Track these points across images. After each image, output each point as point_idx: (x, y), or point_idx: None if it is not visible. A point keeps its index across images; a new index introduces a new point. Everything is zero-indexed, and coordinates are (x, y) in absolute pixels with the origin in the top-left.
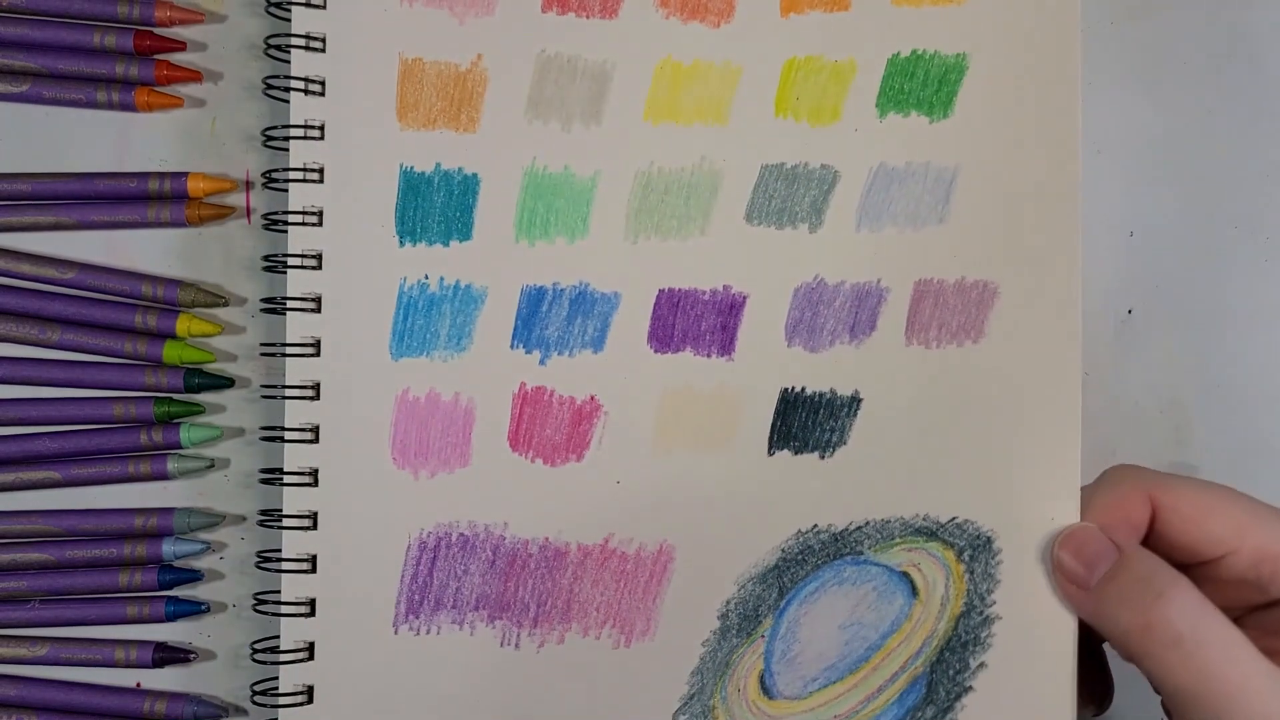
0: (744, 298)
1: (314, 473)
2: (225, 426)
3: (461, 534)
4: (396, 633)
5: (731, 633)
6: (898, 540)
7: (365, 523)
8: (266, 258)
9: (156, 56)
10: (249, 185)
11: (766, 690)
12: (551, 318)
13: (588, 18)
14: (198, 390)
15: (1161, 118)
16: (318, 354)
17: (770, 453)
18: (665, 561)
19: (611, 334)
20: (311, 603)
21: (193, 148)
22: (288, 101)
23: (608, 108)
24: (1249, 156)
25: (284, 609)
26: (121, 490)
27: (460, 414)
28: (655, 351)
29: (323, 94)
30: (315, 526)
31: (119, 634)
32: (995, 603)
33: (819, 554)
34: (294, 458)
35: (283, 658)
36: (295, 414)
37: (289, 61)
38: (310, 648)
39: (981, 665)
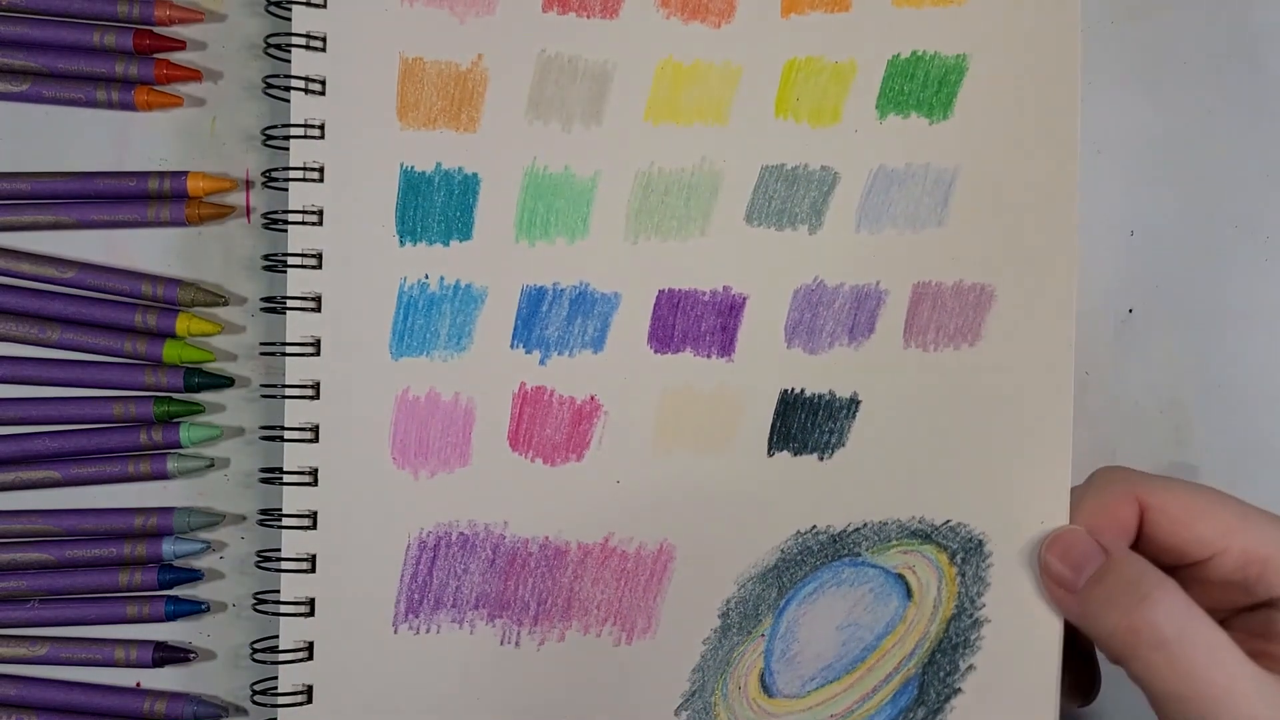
0: (744, 299)
1: (314, 472)
2: (225, 426)
3: (461, 533)
4: (396, 632)
5: (732, 631)
6: (894, 543)
7: (365, 522)
8: (266, 257)
9: (156, 56)
10: (249, 184)
11: (766, 688)
12: (552, 318)
13: (588, 18)
14: (198, 390)
15: (1161, 118)
16: (318, 353)
17: (770, 454)
18: (666, 560)
19: (611, 334)
20: (311, 602)
21: (192, 147)
22: (287, 101)
23: (608, 108)
24: (1249, 156)
25: (283, 609)
26: (121, 490)
27: (460, 414)
28: (655, 352)
29: (323, 93)
30: (315, 526)
31: (119, 634)
32: (985, 606)
33: (818, 555)
34: (294, 457)
35: (282, 657)
36: (295, 413)
37: (289, 61)
38: (310, 647)
39: (970, 668)
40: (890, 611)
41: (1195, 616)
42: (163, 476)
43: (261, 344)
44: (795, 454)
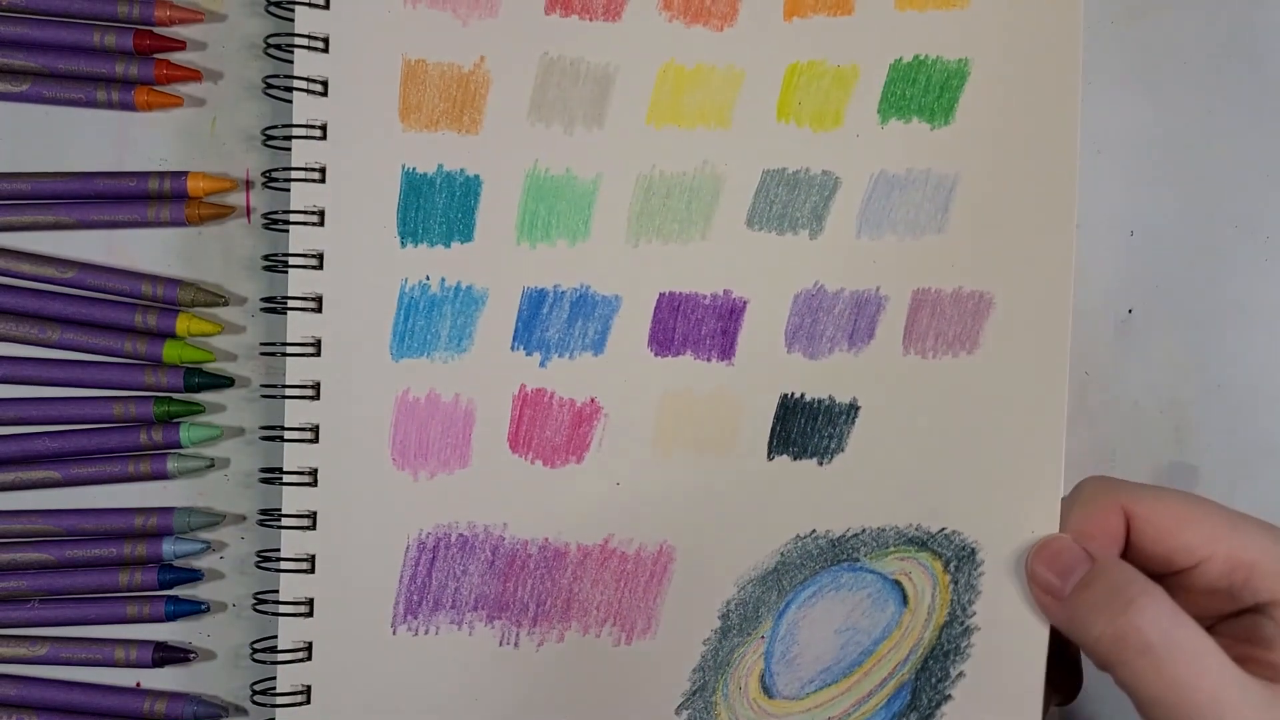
0: (744, 303)
1: (313, 473)
2: (225, 426)
3: (461, 535)
4: (395, 633)
5: (732, 632)
6: (892, 549)
7: (364, 523)
8: (266, 257)
9: (156, 56)
10: (249, 185)
11: (767, 689)
12: (552, 320)
13: (591, 20)
14: (198, 390)
15: (1161, 118)
16: (318, 354)
17: (770, 458)
18: (665, 562)
19: (612, 336)
20: (310, 603)
21: (193, 147)
22: (288, 101)
23: (610, 110)
24: (1249, 156)
25: (282, 609)
26: (121, 490)
27: (460, 415)
28: (656, 355)
29: (325, 94)
30: (314, 526)
31: (119, 634)
32: (975, 613)
33: (817, 559)
34: (294, 457)
35: (280, 658)
36: (295, 414)
37: (289, 61)
38: (309, 648)
39: (961, 675)
40: (887, 617)
41: (1181, 622)
42: (163, 476)
43: (262, 344)
44: (795, 458)
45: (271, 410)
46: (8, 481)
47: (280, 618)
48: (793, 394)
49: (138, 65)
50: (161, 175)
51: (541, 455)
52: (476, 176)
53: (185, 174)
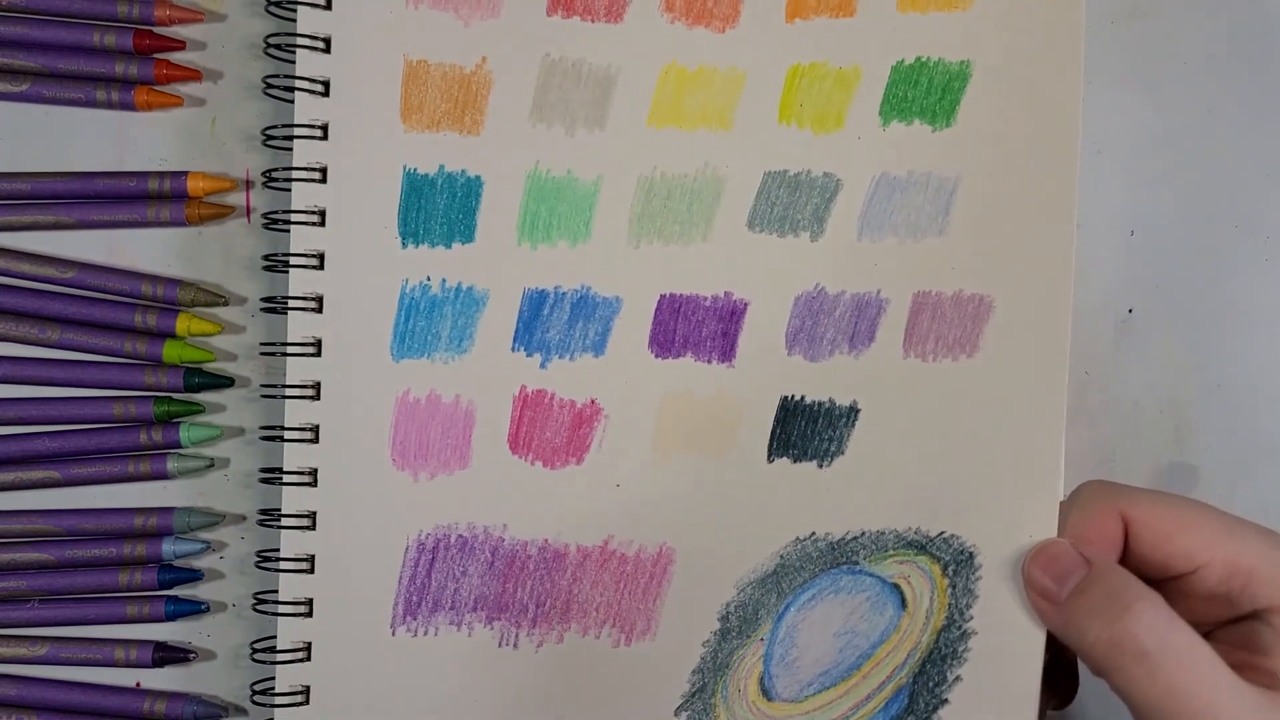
0: (745, 305)
1: (313, 473)
2: (225, 426)
3: (460, 535)
4: (394, 634)
5: (732, 634)
6: (891, 552)
7: (364, 523)
8: (267, 257)
9: (156, 56)
10: (249, 185)
11: (766, 692)
12: (553, 321)
13: (593, 21)
14: (198, 390)
15: (1161, 118)
16: (318, 354)
17: (770, 460)
18: (665, 564)
19: (613, 338)
20: (309, 603)
21: (192, 147)
22: (288, 101)
23: (611, 112)
24: (1249, 156)
25: (281, 609)
26: (121, 490)
27: (460, 416)
28: (656, 356)
29: (326, 94)
30: (314, 527)
31: (119, 634)
32: (973, 617)
33: (817, 562)
34: (294, 458)
35: (279, 658)
36: (295, 414)
37: (289, 61)
38: (308, 648)
39: (958, 679)
40: (885, 620)
41: (1177, 629)
42: (163, 476)
43: (262, 344)
44: (795, 461)
45: (271, 410)
46: (8, 481)
47: (280, 618)
48: (793, 396)
49: (138, 65)
50: (161, 175)
51: (541, 456)
52: (478, 177)
53: (185, 174)
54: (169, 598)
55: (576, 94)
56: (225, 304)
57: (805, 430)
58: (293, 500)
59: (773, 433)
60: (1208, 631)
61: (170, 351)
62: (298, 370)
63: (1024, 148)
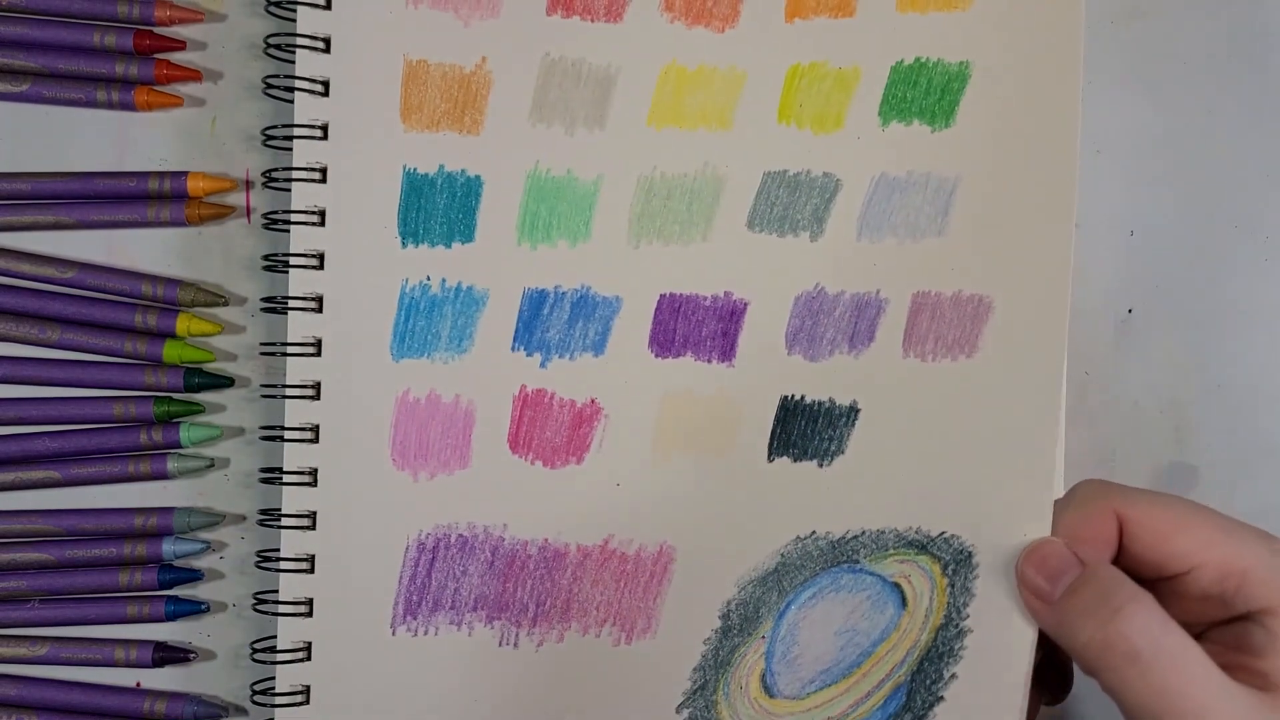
0: (745, 304)
1: (313, 473)
2: (225, 426)
3: (460, 535)
4: (394, 634)
5: (733, 632)
6: (891, 551)
7: (364, 523)
8: (266, 257)
9: (156, 56)
10: (249, 185)
11: (768, 689)
12: (553, 321)
13: (592, 21)
14: (198, 390)
15: (1161, 118)
16: (319, 354)
17: (770, 459)
18: (666, 562)
19: (613, 338)
20: (309, 603)
21: (192, 147)
22: (288, 101)
23: (611, 112)
24: (1249, 156)
25: (282, 609)
26: (121, 490)
27: (460, 416)
28: (656, 356)
29: (326, 94)
30: (314, 526)
31: (119, 634)
32: (969, 616)
33: (817, 560)
34: (294, 457)
35: (280, 658)
36: (295, 414)
37: (289, 61)
38: (308, 648)
39: (953, 676)
40: (886, 619)
41: (1170, 630)
42: (163, 476)
43: (262, 344)
44: (795, 460)
45: (271, 410)
46: (8, 481)
47: (280, 618)
48: (793, 396)
49: (138, 65)
50: (161, 175)
51: (542, 456)
52: (478, 177)
53: (185, 174)
54: (169, 598)
55: (576, 94)
56: (225, 304)
57: (805, 430)
58: (293, 500)
59: (773, 432)
60: (1200, 632)
61: (170, 351)
62: (298, 370)
63: (1023, 148)
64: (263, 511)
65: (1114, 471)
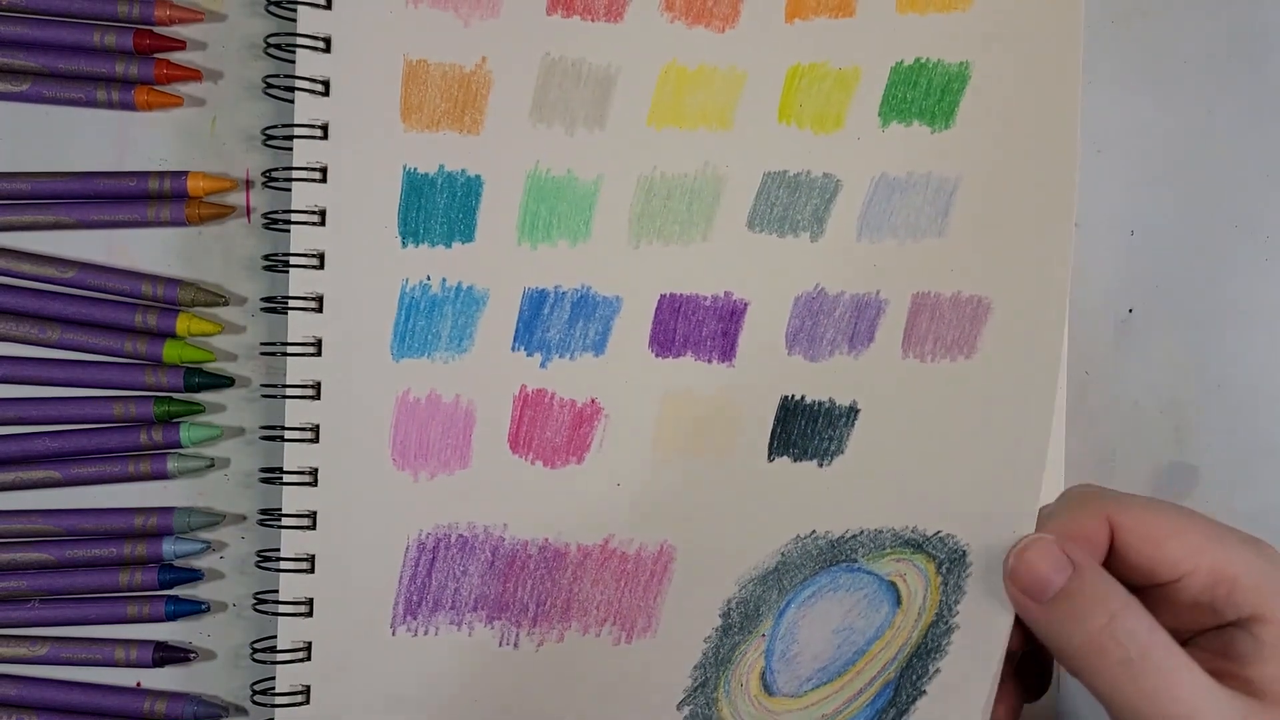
0: (745, 304)
1: (314, 472)
2: (225, 426)
3: (461, 535)
4: (394, 633)
5: (734, 630)
6: (888, 551)
7: (364, 523)
8: (267, 257)
9: (156, 55)
10: (249, 185)
11: (767, 687)
12: (553, 320)
13: (593, 21)
14: (198, 389)
15: (1162, 117)
16: (319, 354)
17: (770, 459)
18: (666, 562)
19: (613, 337)
20: (310, 603)
21: (193, 147)
22: (288, 101)
23: (611, 111)
24: (1249, 156)
25: (282, 609)
26: (121, 490)
27: (461, 415)
28: (656, 356)
29: (326, 94)
30: (314, 526)
31: (119, 633)
32: (958, 613)
33: (817, 559)
34: (294, 457)
35: (280, 658)
36: (295, 414)
37: (289, 61)
38: (308, 648)
39: (937, 671)
40: (881, 617)
41: (1158, 636)
42: (163, 476)
43: (262, 344)
44: (795, 460)
45: (271, 410)
46: (8, 481)
47: (280, 618)
48: (793, 396)
49: (138, 65)
50: (161, 175)
51: (542, 456)
52: (478, 177)
53: (185, 174)
54: (169, 598)
55: (576, 93)
56: (225, 304)
57: (805, 430)
58: (293, 500)
59: (773, 432)
60: (1188, 639)
61: (170, 351)
62: (298, 370)
63: (1023, 148)
64: (263, 511)
65: (1114, 471)
